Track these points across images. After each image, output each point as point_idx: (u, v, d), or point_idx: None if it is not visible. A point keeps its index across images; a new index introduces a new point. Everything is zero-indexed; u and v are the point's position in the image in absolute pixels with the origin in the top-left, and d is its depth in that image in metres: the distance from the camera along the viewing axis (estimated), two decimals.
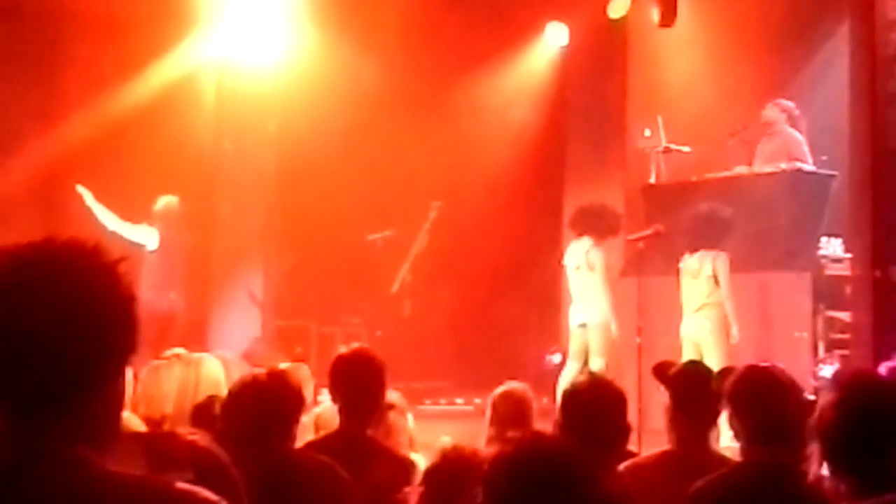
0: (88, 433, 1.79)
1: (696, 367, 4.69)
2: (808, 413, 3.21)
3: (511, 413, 5.03)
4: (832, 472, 2.88)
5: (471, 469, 2.79)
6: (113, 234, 10.58)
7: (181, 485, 1.81)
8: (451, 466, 3.33)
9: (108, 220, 10.84)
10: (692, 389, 4.33)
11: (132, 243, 10.56)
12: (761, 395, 3.78)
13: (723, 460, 4.12)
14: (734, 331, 9.33)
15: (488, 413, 5.22)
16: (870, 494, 2.81)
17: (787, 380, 3.86)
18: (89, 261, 1.81)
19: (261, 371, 3.93)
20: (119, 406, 1.86)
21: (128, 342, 1.82)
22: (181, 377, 5.05)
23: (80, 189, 10.94)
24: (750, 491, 3.61)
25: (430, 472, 3.47)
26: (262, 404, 3.75)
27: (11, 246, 1.79)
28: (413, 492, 3.54)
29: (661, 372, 4.53)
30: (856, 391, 2.94)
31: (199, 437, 2.88)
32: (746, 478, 3.69)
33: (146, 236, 10.97)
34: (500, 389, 5.27)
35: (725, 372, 4.20)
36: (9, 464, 1.75)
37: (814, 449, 2.95)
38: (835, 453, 2.88)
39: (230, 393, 3.91)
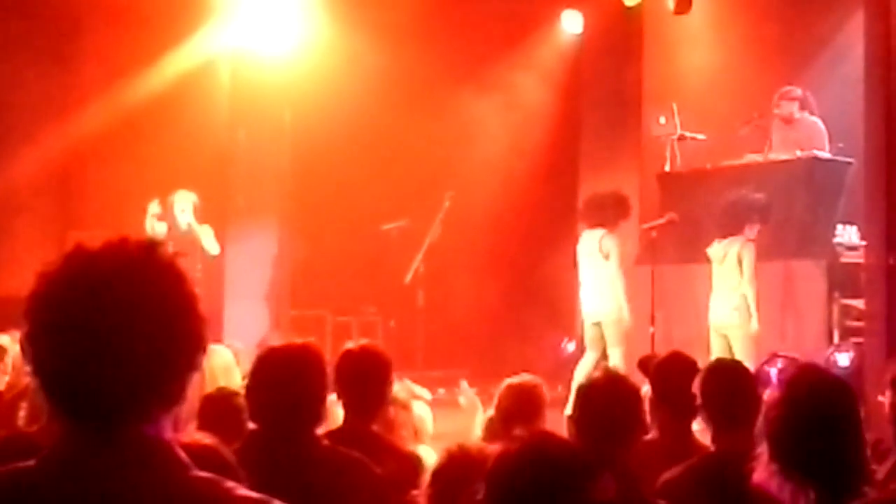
0: (166, 432, 1.76)
1: (676, 359, 4.74)
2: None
3: (514, 408, 4.77)
4: (779, 469, 2.90)
5: (476, 468, 2.79)
6: (185, 234, 10.22)
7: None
8: (457, 466, 3.32)
9: (187, 220, 10.40)
10: (672, 381, 4.46)
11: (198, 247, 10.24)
12: (727, 387, 4.05)
13: (703, 448, 4.19)
14: (753, 321, 9.21)
15: (493, 403, 4.99)
16: (816, 490, 2.86)
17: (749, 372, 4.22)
18: (160, 261, 1.77)
19: (279, 345, 3.78)
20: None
21: (199, 340, 1.79)
22: None
23: (152, 205, 10.41)
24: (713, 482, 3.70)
25: (437, 473, 3.47)
26: (288, 378, 3.62)
27: (82, 246, 1.75)
28: (422, 493, 3.52)
29: (644, 365, 4.63)
30: (800, 388, 2.98)
31: (204, 437, 2.92)
32: (707, 469, 3.80)
33: (212, 243, 10.60)
34: (507, 381, 4.95)
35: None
36: (95, 471, 1.71)
37: (763, 447, 2.97)
38: (781, 450, 2.91)
39: (252, 372, 3.78)
